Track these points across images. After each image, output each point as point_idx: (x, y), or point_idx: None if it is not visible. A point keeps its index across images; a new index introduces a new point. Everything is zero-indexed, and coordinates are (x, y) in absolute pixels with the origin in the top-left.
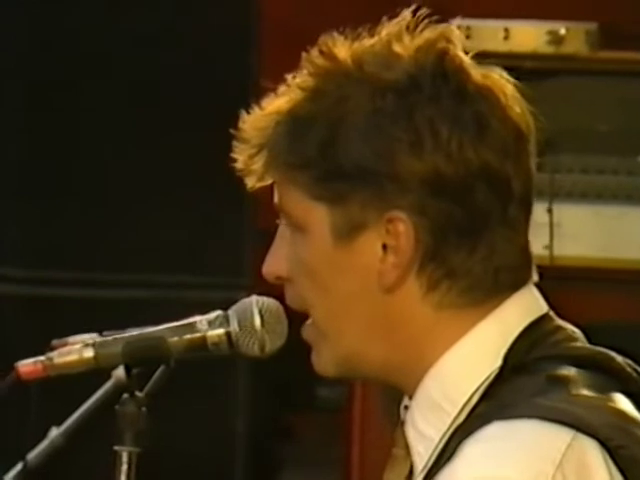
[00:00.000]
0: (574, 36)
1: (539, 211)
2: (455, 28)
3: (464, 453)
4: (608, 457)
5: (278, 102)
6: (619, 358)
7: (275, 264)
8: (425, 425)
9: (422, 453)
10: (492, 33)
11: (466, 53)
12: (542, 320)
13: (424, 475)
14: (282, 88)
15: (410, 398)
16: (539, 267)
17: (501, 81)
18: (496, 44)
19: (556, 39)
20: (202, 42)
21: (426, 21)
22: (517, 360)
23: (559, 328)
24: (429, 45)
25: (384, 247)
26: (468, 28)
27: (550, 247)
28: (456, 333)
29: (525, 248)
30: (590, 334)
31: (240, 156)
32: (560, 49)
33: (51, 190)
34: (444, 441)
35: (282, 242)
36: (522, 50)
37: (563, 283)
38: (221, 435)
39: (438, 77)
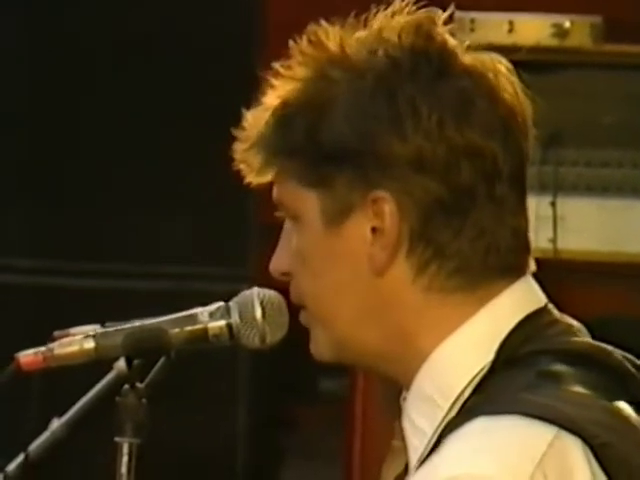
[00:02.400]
0: (579, 29)
1: (543, 204)
2: (440, 11)
3: (445, 449)
4: (591, 455)
5: (271, 96)
6: (617, 353)
7: (279, 260)
8: (419, 418)
9: (417, 446)
10: (496, 26)
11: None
12: (539, 313)
13: (418, 468)
14: (274, 80)
15: (407, 390)
16: (543, 260)
17: (493, 62)
18: (500, 37)
19: (561, 32)
20: (205, 41)
21: (408, 9)
22: (510, 354)
23: (556, 321)
24: (411, 26)
25: (373, 230)
26: (472, 21)
27: (554, 240)
28: (448, 321)
29: (518, 231)
30: (594, 327)
31: (239, 154)
32: (565, 42)
33: (55, 182)
34: (437, 435)
35: (285, 239)
36: (526, 43)
37: (567, 276)
38: (222, 426)
39: (419, 56)
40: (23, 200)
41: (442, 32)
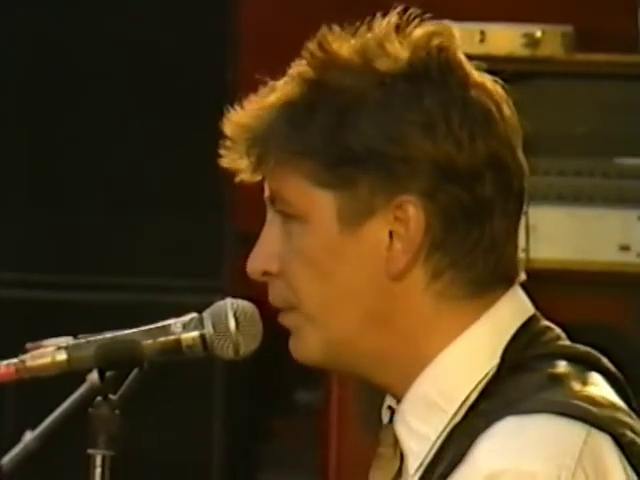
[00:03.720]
0: (550, 39)
1: None
2: (451, 24)
3: (483, 448)
4: (621, 453)
5: (272, 96)
6: (604, 358)
7: (263, 259)
8: (419, 423)
9: (416, 451)
10: (468, 36)
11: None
12: (533, 320)
13: (421, 473)
14: (277, 82)
15: (396, 397)
16: None
17: (491, 81)
18: (472, 47)
19: (532, 42)
20: (182, 45)
21: (414, 22)
22: (514, 359)
23: (548, 328)
24: (428, 38)
25: (390, 234)
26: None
27: (526, 249)
28: (453, 327)
29: (518, 244)
30: (567, 336)
31: (229, 153)
32: (536, 52)
33: (30, 198)
34: (442, 439)
35: (271, 238)
36: (498, 53)
37: (539, 285)
38: (199, 438)
39: (443, 66)
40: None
41: (455, 46)
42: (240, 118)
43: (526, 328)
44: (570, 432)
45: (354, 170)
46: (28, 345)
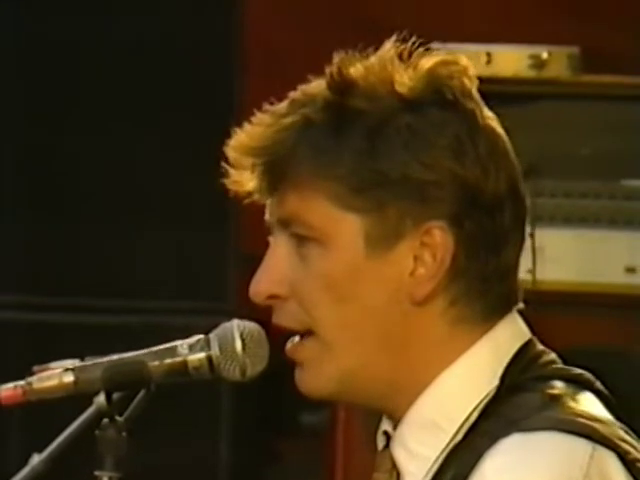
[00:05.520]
0: (556, 60)
1: None
2: (462, 56)
3: (491, 465)
4: (626, 470)
5: (289, 118)
6: (597, 380)
7: (269, 283)
8: (418, 445)
9: (415, 473)
10: (474, 57)
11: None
12: (529, 344)
13: None
14: (288, 102)
15: (394, 419)
16: (522, 291)
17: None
18: (478, 68)
19: (538, 63)
20: (188, 61)
21: (416, 49)
22: (513, 380)
23: (544, 352)
24: (444, 66)
25: (415, 259)
26: (450, 52)
27: (533, 271)
28: (456, 350)
29: (518, 272)
30: (573, 358)
31: (237, 174)
32: (542, 73)
33: (32, 218)
34: (442, 458)
35: (277, 261)
36: (504, 74)
37: (545, 307)
38: (205, 461)
39: (465, 94)
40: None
41: (472, 75)
42: (252, 139)
43: (524, 351)
44: (576, 448)
45: (385, 194)
46: (35, 367)
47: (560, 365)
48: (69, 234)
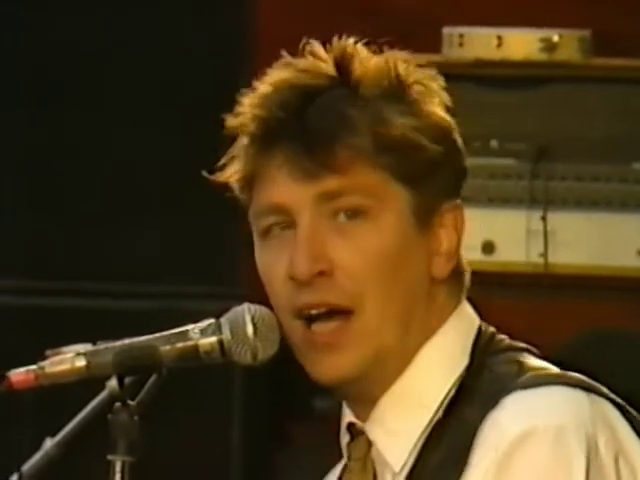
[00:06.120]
0: (567, 43)
1: (534, 219)
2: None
3: (504, 416)
4: (620, 412)
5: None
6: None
7: (315, 260)
8: (399, 422)
9: (398, 451)
10: (485, 40)
11: None
12: (482, 325)
13: (409, 469)
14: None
15: (366, 403)
16: (534, 275)
17: None
18: (489, 52)
19: (549, 46)
20: (190, 57)
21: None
22: (480, 356)
23: (492, 329)
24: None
25: (444, 235)
26: (461, 36)
27: (545, 255)
28: (433, 327)
29: None
30: (585, 341)
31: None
32: (553, 56)
33: (47, 201)
34: (425, 435)
35: (317, 237)
36: (515, 58)
37: (558, 291)
38: (217, 445)
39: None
40: (13, 220)
41: None
42: (291, 113)
43: (482, 329)
44: (576, 395)
45: (431, 168)
46: (47, 352)
47: (508, 340)
48: (81, 219)
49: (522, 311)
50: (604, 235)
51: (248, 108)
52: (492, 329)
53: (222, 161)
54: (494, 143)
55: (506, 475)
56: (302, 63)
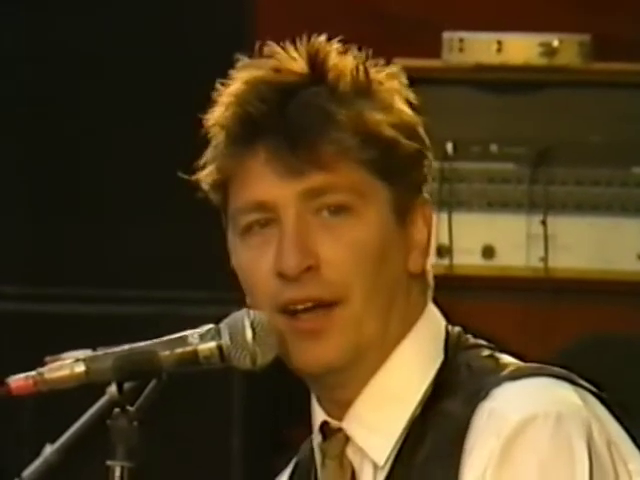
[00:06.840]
0: (567, 48)
1: (534, 223)
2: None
3: (500, 405)
4: (600, 402)
5: (324, 90)
6: None
7: (303, 255)
8: (378, 420)
9: (379, 446)
10: (485, 45)
11: None
12: (448, 324)
13: (391, 464)
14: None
15: (341, 399)
16: (534, 279)
17: None
18: (489, 56)
19: (549, 51)
20: (197, 54)
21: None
22: (453, 353)
23: (458, 328)
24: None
25: (418, 231)
26: (461, 40)
27: (545, 259)
28: (411, 322)
29: None
30: (585, 345)
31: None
32: (553, 61)
33: (46, 207)
34: (406, 431)
35: (302, 233)
36: (515, 62)
37: (558, 295)
38: (217, 451)
39: None
40: (13, 227)
41: None
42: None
43: (449, 327)
44: (563, 385)
45: (407, 164)
46: (47, 358)
47: (472, 338)
48: (79, 225)
49: (522, 315)
50: (604, 239)
51: (224, 106)
52: (458, 328)
53: (201, 161)
54: (494, 147)
55: (509, 460)
56: (271, 62)
